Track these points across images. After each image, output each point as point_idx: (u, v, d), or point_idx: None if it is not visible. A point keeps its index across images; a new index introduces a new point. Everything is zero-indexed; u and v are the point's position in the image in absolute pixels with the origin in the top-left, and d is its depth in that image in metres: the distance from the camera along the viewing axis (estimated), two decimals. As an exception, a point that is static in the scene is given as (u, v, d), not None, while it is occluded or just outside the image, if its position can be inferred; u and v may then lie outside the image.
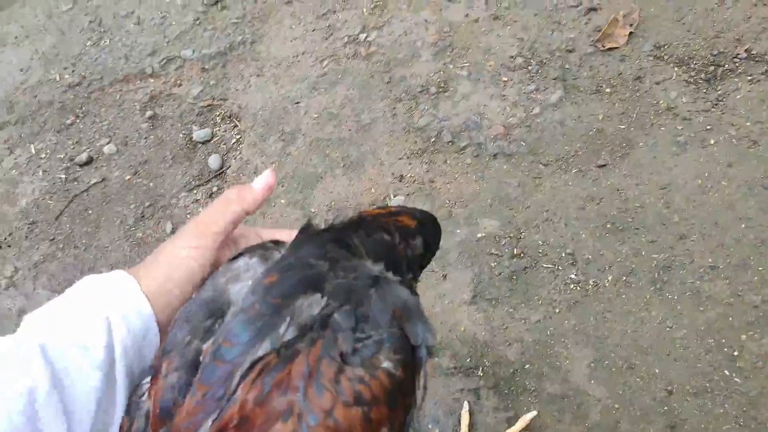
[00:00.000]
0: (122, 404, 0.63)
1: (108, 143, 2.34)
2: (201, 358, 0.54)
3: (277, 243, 0.64)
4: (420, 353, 0.55)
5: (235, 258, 0.64)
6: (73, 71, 2.53)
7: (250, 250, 0.63)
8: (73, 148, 2.34)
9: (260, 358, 0.49)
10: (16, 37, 2.67)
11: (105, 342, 0.59)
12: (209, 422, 0.49)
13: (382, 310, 0.53)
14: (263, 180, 0.72)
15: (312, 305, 0.53)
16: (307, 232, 0.61)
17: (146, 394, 0.59)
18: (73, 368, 0.58)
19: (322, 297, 0.53)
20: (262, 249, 0.63)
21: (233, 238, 0.71)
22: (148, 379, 0.59)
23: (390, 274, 0.59)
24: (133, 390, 0.63)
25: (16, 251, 2.17)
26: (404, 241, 0.67)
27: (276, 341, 0.50)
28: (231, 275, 0.61)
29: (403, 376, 0.51)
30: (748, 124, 1.96)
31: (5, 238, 2.21)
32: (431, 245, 0.74)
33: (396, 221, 0.68)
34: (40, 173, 2.31)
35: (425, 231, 0.72)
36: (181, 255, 0.66)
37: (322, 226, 0.63)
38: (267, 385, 0.48)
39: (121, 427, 0.60)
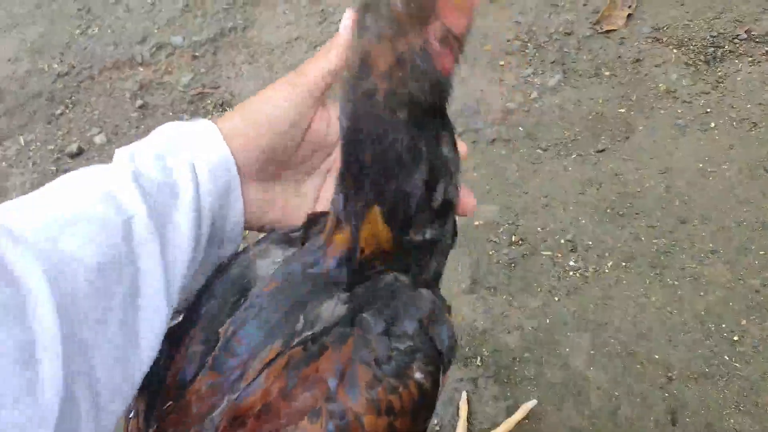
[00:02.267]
0: (202, 262, 0.60)
1: (99, 133, 2.30)
2: (218, 338, 0.55)
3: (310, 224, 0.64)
4: (444, 358, 0.55)
5: (259, 242, 0.64)
6: (61, 60, 2.48)
7: (275, 239, 0.63)
8: (63, 139, 2.31)
9: (282, 351, 0.51)
10: (2, 27, 2.62)
11: (192, 193, 0.57)
12: (219, 408, 0.50)
13: (410, 317, 0.54)
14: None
15: (331, 307, 0.54)
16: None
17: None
18: (167, 206, 0.55)
19: (339, 300, 0.55)
20: (287, 238, 0.63)
21: (328, 102, 0.66)
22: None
23: (405, 278, 0.59)
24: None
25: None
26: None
27: (290, 338, 0.52)
28: (258, 250, 0.62)
29: (431, 389, 0.53)
30: (749, 106, 1.93)
31: (-4, 231, 2.18)
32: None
33: None
34: (30, 165, 2.27)
35: None
36: (265, 96, 0.62)
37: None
38: (292, 378, 0.49)
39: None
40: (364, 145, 0.52)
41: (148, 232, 0.52)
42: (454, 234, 0.64)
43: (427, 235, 0.57)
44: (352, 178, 0.53)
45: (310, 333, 0.52)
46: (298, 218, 0.65)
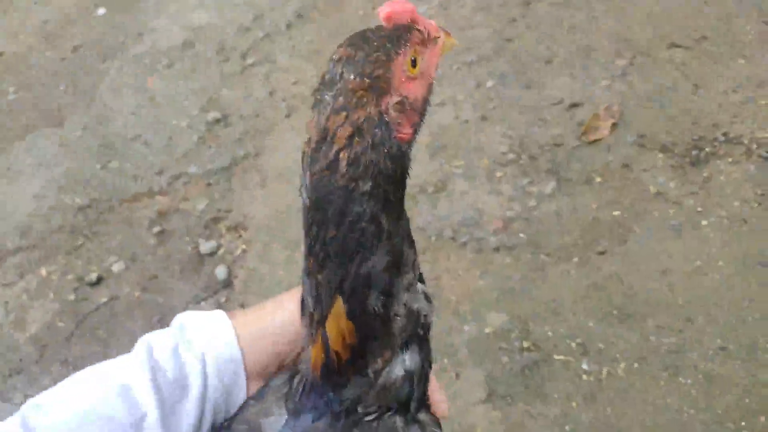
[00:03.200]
0: None
1: (117, 261, 2.39)
2: None
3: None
4: None
5: (262, 388, 0.67)
6: (83, 194, 2.63)
7: (273, 389, 0.66)
8: (83, 269, 2.40)
9: None
10: (30, 166, 2.80)
11: (200, 381, 0.63)
12: None
13: None
14: None
15: None
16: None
17: None
18: (177, 403, 0.62)
19: None
20: (284, 386, 0.65)
21: None
22: None
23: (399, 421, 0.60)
24: None
25: (26, 378, 2.17)
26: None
27: None
28: (261, 408, 0.63)
29: None
30: (736, 203, 2.03)
31: (16, 365, 2.21)
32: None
33: None
34: (51, 296, 2.35)
35: None
36: (280, 305, 0.67)
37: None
38: None
39: None
40: (326, 220, 0.52)
41: (157, 428, 0.59)
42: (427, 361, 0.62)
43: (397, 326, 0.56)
44: (314, 258, 0.54)
45: None
46: None
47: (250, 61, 3.00)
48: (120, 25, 3.37)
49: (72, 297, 2.33)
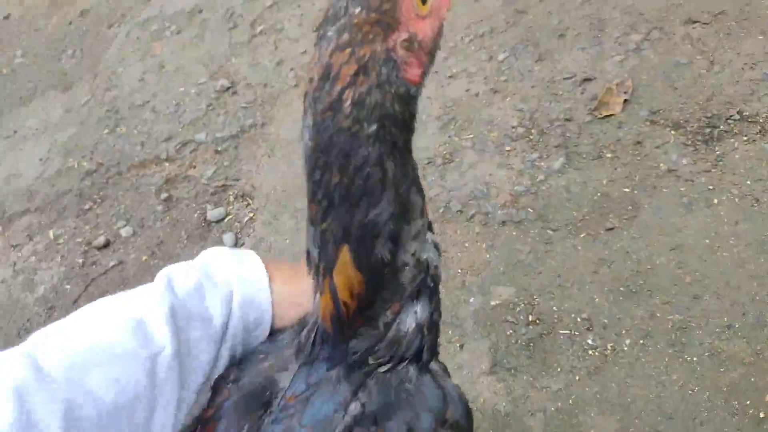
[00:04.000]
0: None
1: (125, 226, 2.40)
2: None
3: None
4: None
5: (274, 334, 0.67)
6: (91, 159, 2.62)
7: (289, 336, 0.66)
8: (91, 233, 2.40)
9: None
10: (35, 131, 2.79)
11: (222, 321, 0.63)
12: None
13: (426, 412, 0.57)
14: None
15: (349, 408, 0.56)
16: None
17: None
18: (195, 340, 0.61)
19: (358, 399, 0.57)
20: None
21: None
22: None
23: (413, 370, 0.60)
24: None
25: (34, 338, 2.19)
26: None
27: None
28: (275, 362, 0.63)
29: None
30: (749, 182, 2.01)
31: (23, 324, 2.23)
32: None
33: None
34: (59, 258, 2.36)
35: None
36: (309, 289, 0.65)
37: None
38: None
39: None
40: (329, 164, 0.49)
41: (171, 370, 0.58)
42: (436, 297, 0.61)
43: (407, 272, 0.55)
44: (318, 206, 0.51)
45: None
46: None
47: (258, 29, 2.96)
48: (127, -10, 3.32)
49: (80, 260, 2.34)
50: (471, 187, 2.23)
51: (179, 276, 0.65)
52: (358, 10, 0.48)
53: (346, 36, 0.48)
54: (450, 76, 2.59)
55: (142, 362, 0.57)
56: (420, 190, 0.56)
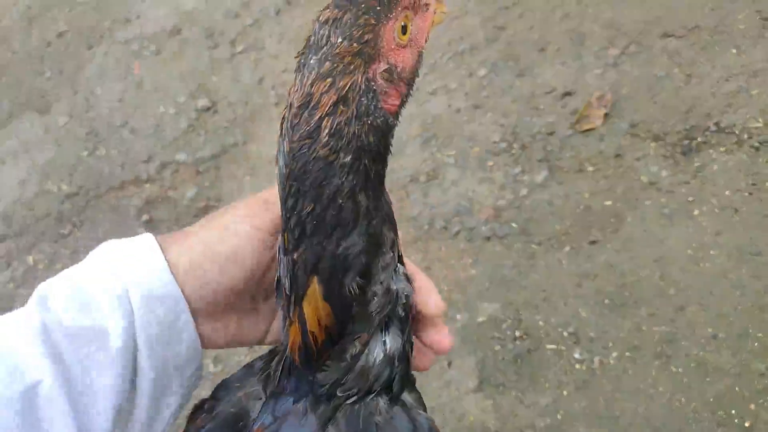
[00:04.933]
0: (146, 404, 0.54)
1: (105, 250, 2.36)
2: None
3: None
4: None
5: (246, 369, 0.65)
6: (70, 182, 2.58)
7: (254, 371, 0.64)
8: (70, 257, 2.36)
9: None
10: (13, 152, 2.75)
11: (120, 326, 0.51)
12: None
13: None
14: None
15: None
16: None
17: None
18: (85, 358, 0.50)
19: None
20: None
21: None
22: None
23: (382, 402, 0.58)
24: None
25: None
26: None
27: None
28: (249, 390, 0.62)
29: None
30: (728, 192, 2.03)
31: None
32: None
33: None
34: (38, 284, 2.31)
35: None
36: (228, 229, 0.57)
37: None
38: None
39: None
40: (303, 192, 0.49)
41: (56, 395, 0.48)
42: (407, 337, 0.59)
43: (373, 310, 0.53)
44: (290, 234, 0.51)
45: None
46: (254, 333, 0.63)
47: (239, 47, 2.96)
48: (105, 10, 3.31)
49: (58, 286, 2.29)
50: (454, 203, 2.23)
51: (56, 287, 0.53)
52: (340, 40, 0.49)
53: (327, 65, 0.48)
54: (431, 93, 2.60)
55: (10, 403, 0.47)
56: (392, 226, 0.55)
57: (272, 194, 0.58)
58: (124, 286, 0.53)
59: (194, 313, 0.56)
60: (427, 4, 0.56)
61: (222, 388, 0.64)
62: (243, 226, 0.57)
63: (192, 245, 0.56)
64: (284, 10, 3.05)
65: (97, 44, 3.15)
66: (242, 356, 2.00)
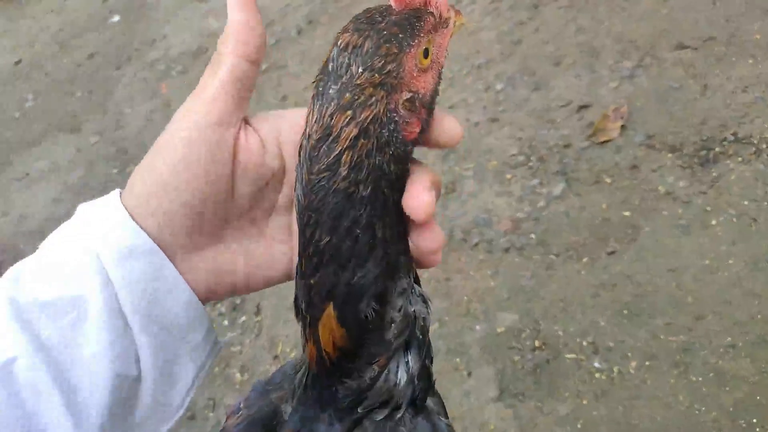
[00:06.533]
0: (152, 374, 0.51)
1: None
2: None
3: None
4: None
5: (277, 372, 0.69)
6: (100, 198, 2.69)
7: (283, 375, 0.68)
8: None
9: None
10: (45, 172, 2.86)
11: (100, 289, 0.47)
12: None
13: None
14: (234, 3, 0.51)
15: None
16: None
17: None
18: (64, 330, 0.47)
19: None
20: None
21: (251, 122, 0.56)
22: None
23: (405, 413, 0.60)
24: None
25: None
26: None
27: None
28: (283, 393, 0.64)
29: None
30: (745, 202, 2.05)
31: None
32: None
33: None
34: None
35: None
36: (165, 138, 0.50)
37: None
38: None
39: None
40: (321, 223, 0.48)
41: (36, 369, 0.45)
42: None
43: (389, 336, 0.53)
44: (307, 261, 0.50)
45: None
46: (273, 267, 0.59)
47: (262, 67, 3.05)
48: (133, 32, 3.43)
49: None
50: (473, 215, 2.27)
51: (26, 264, 0.49)
52: (360, 70, 0.47)
53: (347, 96, 0.47)
54: (449, 107, 2.65)
55: None
56: (407, 250, 0.55)
57: (196, 87, 0.51)
58: (94, 248, 0.48)
59: (177, 252, 0.51)
60: (447, 20, 0.54)
61: (256, 389, 0.68)
62: (177, 136, 0.50)
63: (136, 183, 0.51)
64: (305, 30, 3.14)
65: (126, 65, 3.27)
66: (269, 365, 2.06)
